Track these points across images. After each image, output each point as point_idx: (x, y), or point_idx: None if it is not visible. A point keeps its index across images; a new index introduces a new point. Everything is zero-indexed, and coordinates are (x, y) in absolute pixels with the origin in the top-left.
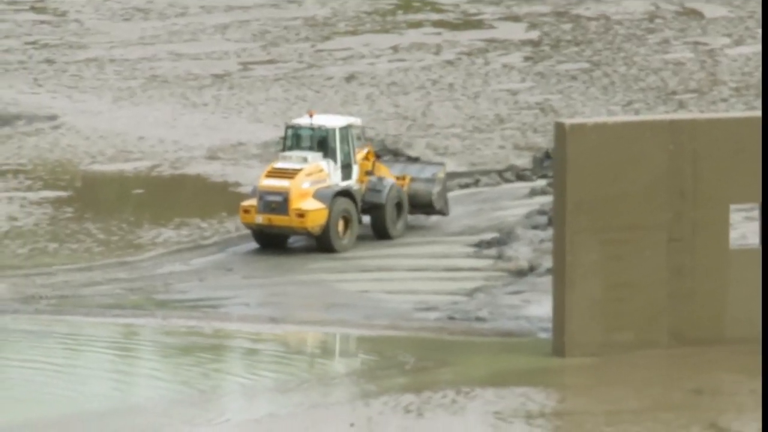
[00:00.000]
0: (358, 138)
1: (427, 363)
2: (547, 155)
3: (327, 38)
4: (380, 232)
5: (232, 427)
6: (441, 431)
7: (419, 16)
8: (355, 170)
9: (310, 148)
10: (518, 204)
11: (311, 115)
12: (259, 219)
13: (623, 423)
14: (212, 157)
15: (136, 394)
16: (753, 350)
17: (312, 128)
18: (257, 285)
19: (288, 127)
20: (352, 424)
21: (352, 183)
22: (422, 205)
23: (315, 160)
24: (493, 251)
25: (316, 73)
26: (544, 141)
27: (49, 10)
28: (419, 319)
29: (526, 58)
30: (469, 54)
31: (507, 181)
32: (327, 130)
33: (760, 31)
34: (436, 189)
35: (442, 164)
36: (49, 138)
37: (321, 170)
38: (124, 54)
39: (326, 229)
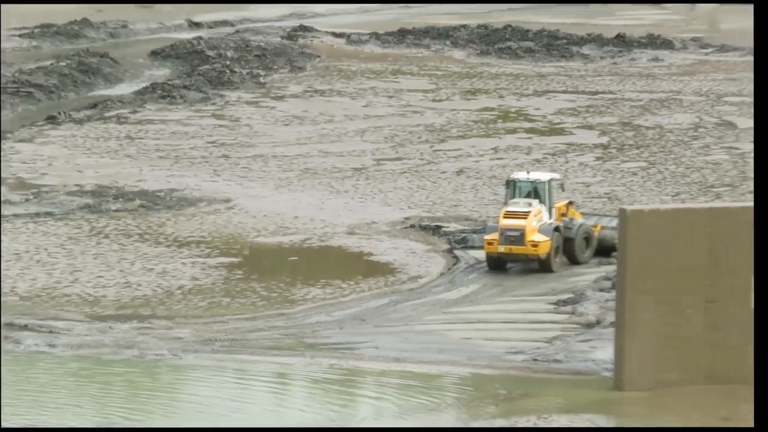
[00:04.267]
0: (560, 187)
1: (515, 395)
2: None
3: (442, 141)
4: (571, 259)
5: None
6: None
7: (515, 125)
8: (554, 212)
9: (527, 195)
10: (589, 271)
11: (528, 172)
12: (501, 249)
13: None
14: (351, 232)
15: (291, 415)
16: None
17: (531, 181)
18: (385, 332)
19: (509, 181)
20: None
21: (554, 221)
22: (608, 248)
23: (535, 205)
24: (568, 308)
25: (433, 168)
26: None
27: (226, 117)
28: (509, 360)
29: (597, 158)
30: (553, 154)
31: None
32: (542, 182)
33: None
34: None
35: None
36: (224, 216)
37: (540, 212)
38: (284, 151)
39: (548, 255)
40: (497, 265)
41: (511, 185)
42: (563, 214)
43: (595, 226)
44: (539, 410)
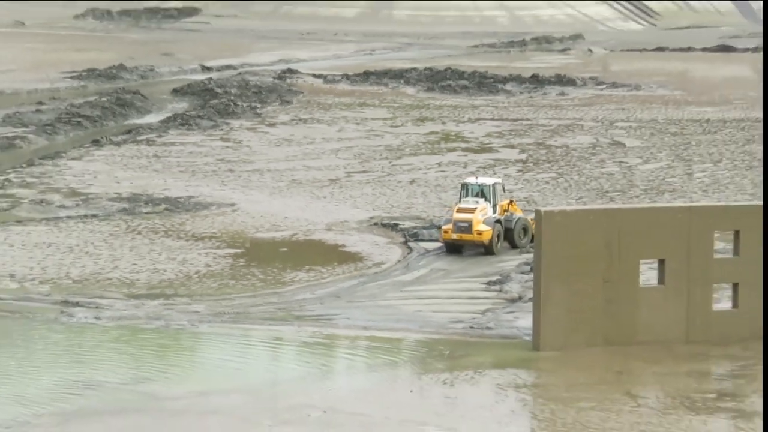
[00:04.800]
0: (502, 189)
1: (456, 354)
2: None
3: (398, 158)
4: (512, 244)
5: (342, 394)
6: (464, 395)
7: (454, 145)
8: (497, 208)
9: (476, 195)
10: (513, 258)
11: (476, 177)
12: (454, 236)
13: (575, 390)
14: (328, 229)
15: (285, 369)
16: (654, 348)
17: (479, 184)
18: (355, 306)
19: (462, 184)
20: (411, 390)
21: (497, 215)
22: None
23: (481, 203)
24: (497, 287)
25: (391, 179)
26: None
27: (231, 140)
28: (452, 327)
29: (518, 170)
30: (483, 168)
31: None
32: (488, 185)
33: (660, 154)
34: None
35: None
36: (230, 217)
37: (485, 208)
38: (275, 166)
39: (491, 242)
40: (453, 249)
41: (464, 187)
42: (506, 210)
43: (533, 220)
44: (475, 366)
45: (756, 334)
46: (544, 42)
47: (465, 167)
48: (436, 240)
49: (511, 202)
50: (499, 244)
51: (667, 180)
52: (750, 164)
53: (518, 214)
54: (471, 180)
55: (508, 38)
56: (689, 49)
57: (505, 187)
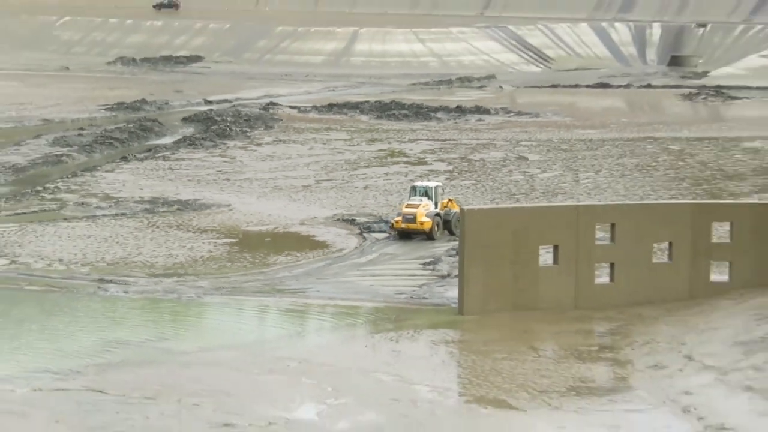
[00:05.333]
0: (442, 190)
1: (401, 318)
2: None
3: (356, 169)
4: (450, 232)
5: (314, 348)
6: (406, 349)
7: (398, 159)
8: (438, 205)
9: (421, 195)
10: (443, 245)
11: (421, 181)
12: (403, 225)
13: (490, 345)
14: (302, 224)
15: (271, 329)
16: (550, 313)
17: (423, 187)
18: (323, 282)
19: (411, 186)
20: (366, 346)
21: (438, 210)
22: None
23: (424, 201)
24: (431, 266)
25: (350, 185)
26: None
27: (227, 157)
28: (397, 298)
29: (447, 178)
30: (420, 176)
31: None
32: (431, 187)
33: (554, 166)
34: None
35: None
36: (227, 215)
37: (428, 205)
38: (261, 176)
39: (431, 230)
40: (403, 236)
41: (412, 189)
42: (445, 206)
43: None
44: (415, 327)
45: (628, 302)
46: (465, 81)
47: (406, 176)
48: (385, 232)
49: (450, 200)
50: (438, 232)
51: (560, 185)
52: (623, 173)
53: (455, 209)
54: (418, 183)
55: (438, 78)
56: (576, 85)
57: (445, 189)
